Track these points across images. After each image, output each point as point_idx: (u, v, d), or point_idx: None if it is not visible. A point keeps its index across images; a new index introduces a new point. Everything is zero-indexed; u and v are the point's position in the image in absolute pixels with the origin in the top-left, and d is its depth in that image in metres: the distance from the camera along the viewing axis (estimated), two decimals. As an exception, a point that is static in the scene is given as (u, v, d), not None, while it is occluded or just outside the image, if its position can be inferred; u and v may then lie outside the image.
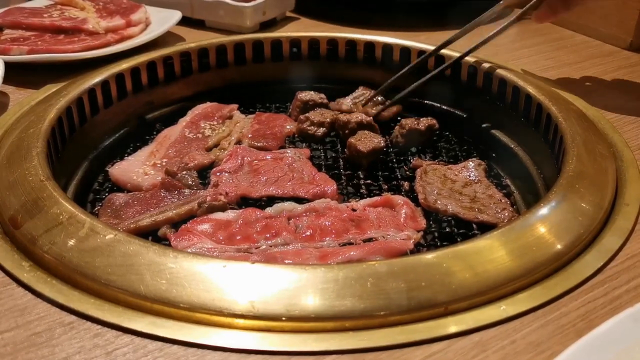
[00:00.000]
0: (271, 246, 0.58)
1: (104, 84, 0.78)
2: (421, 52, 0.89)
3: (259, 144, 0.78)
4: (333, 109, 0.87)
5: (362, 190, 0.71)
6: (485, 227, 0.63)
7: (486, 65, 0.83)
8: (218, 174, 0.71)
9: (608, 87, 0.85)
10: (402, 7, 1.15)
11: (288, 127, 0.84)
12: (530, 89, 0.76)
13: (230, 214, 0.63)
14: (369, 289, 0.44)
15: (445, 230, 0.64)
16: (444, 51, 0.86)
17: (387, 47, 0.91)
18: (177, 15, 1.02)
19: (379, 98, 0.88)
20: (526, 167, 0.76)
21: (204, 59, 0.90)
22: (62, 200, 0.53)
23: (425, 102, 0.90)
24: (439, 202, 0.66)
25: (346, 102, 0.89)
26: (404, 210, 0.64)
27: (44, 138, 0.63)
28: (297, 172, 0.71)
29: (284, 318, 0.43)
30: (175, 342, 0.42)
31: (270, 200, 0.68)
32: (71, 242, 0.49)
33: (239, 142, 0.79)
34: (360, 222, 0.63)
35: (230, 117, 0.86)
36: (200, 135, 0.80)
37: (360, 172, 0.75)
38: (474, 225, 0.64)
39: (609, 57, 0.96)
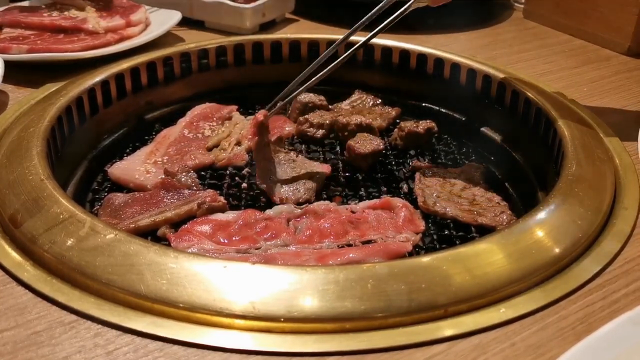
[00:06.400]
0: (271, 247, 0.59)
1: (104, 83, 0.78)
2: (420, 54, 0.90)
3: (258, 145, 0.78)
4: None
5: (361, 193, 0.71)
6: (484, 230, 0.63)
7: (485, 69, 0.84)
8: (217, 174, 0.71)
9: (606, 92, 0.85)
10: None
11: (287, 128, 0.84)
12: (529, 93, 0.76)
13: (229, 215, 0.63)
14: (370, 291, 0.44)
15: (444, 232, 0.64)
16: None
17: (386, 50, 0.92)
18: (177, 15, 1.02)
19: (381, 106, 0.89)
20: (525, 170, 0.76)
21: (203, 59, 0.90)
22: (62, 200, 0.53)
23: (424, 104, 0.91)
24: (437, 204, 0.66)
25: (344, 106, 0.89)
26: (402, 213, 0.64)
27: (43, 137, 0.62)
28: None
29: (284, 319, 0.43)
30: (176, 342, 0.42)
31: (270, 202, 0.68)
32: (71, 242, 0.48)
33: (238, 143, 0.79)
34: (359, 224, 0.63)
35: (230, 118, 0.85)
36: (199, 136, 0.80)
37: (359, 174, 0.75)
38: (473, 228, 0.64)
39: (607, 62, 0.97)
